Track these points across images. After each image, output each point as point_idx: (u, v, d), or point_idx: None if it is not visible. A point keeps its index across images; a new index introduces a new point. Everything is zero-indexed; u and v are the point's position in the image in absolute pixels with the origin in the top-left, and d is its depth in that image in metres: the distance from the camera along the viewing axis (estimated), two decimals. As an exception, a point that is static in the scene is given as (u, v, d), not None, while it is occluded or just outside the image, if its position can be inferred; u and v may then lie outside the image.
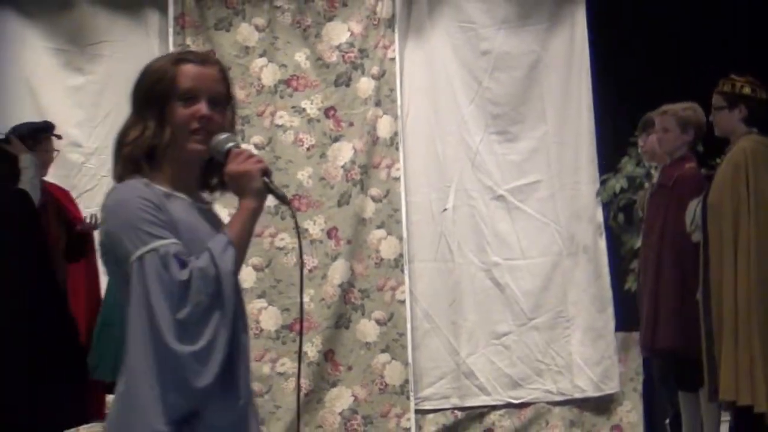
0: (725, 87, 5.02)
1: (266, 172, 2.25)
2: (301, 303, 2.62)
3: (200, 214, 2.33)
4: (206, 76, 2.30)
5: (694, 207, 5.04)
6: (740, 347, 4.69)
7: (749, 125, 4.96)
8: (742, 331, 4.69)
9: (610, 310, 6.63)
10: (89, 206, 6.53)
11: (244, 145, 6.50)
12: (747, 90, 4.98)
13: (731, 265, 4.78)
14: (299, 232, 2.53)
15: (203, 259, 2.19)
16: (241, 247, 2.24)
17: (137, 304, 2.14)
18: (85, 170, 6.81)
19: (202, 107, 2.27)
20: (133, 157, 2.27)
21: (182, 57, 2.35)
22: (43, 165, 5.69)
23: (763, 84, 5.03)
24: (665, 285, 5.15)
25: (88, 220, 5.78)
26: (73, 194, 6.52)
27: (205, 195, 2.41)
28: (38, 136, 5.65)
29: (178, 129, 2.27)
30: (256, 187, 2.23)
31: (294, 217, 2.30)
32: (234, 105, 2.40)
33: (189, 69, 2.29)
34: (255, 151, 6.75)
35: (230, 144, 2.27)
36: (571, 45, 6.92)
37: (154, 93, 2.29)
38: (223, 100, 2.33)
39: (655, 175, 5.70)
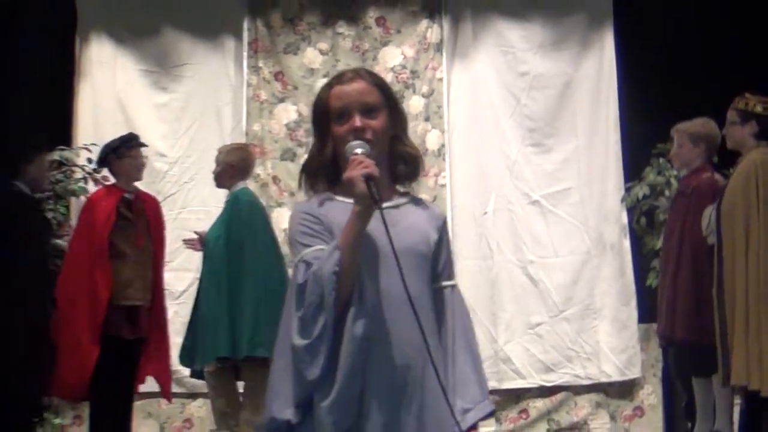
0: (739, 104, 4.97)
1: (369, 177, 2.15)
2: (409, 298, 2.17)
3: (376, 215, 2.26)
4: (353, 92, 2.27)
5: (709, 213, 5.03)
6: (750, 338, 4.65)
7: (759, 139, 4.91)
8: (753, 323, 4.64)
9: (634, 304, 6.62)
10: (172, 208, 6.68)
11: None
12: (759, 108, 4.92)
13: (743, 264, 4.73)
14: (389, 233, 2.18)
15: (317, 264, 2.18)
16: (347, 249, 2.15)
17: (286, 305, 2.23)
18: (168, 177, 6.84)
19: (355, 120, 2.24)
20: (309, 174, 2.32)
21: (331, 82, 2.34)
22: (136, 170, 5.81)
23: None
24: (683, 282, 5.10)
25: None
26: (158, 199, 6.32)
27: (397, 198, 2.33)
28: (127, 146, 5.75)
29: (339, 144, 2.25)
30: (359, 191, 2.15)
31: (383, 220, 2.14)
32: (394, 105, 2.33)
33: (338, 90, 2.28)
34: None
35: (352, 151, 2.21)
36: (600, 67, 6.94)
37: (317, 118, 2.31)
38: (376, 107, 2.28)
39: (675, 183, 5.74)
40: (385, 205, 2.20)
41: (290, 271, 2.38)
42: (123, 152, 5.67)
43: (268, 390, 2.23)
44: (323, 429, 2.14)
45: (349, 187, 2.16)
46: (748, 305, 4.69)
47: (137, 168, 5.74)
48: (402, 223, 2.28)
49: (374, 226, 2.18)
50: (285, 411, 2.16)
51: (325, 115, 2.29)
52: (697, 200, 5.13)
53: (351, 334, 2.15)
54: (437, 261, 2.34)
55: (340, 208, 2.23)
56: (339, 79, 2.33)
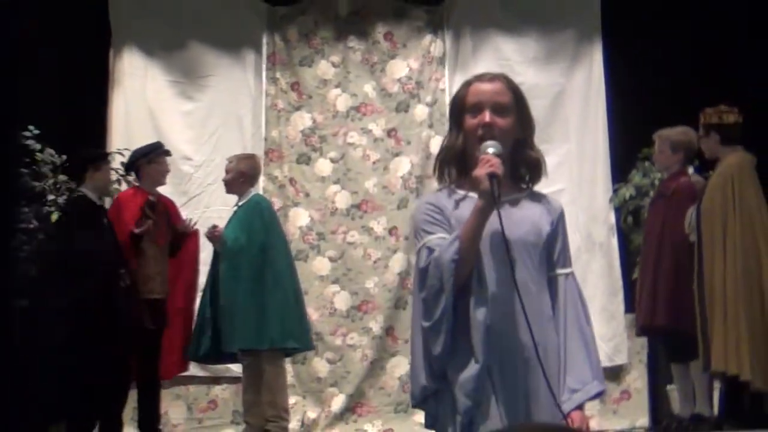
0: (701, 119, 5.07)
1: (493, 175, 2.17)
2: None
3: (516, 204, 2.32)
4: (489, 91, 2.30)
5: (690, 213, 5.05)
6: (729, 327, 4.68)
7: (726, 145, 4.96)
8: (731, 313, 4.70)
9: (621, 296, 6.61)
10: (197, 208, 6.66)
11: (328, 156, 6.55)
12: (715, 119, 4.99)
13: (721, 259, 4.78)
14: (503, 229, 2.20)
15: (438, 251, 2.21)
16: (466, 240, 2.19)
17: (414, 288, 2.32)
18: (194, 179, 6.82)
19: (485, 116, 2.26)
20: (441, 162, 2.35)
21: (471, 80, 2.37)
22: (161, 176, 5.83)
23: (733, 110, 4.99)
24: (664, 274, 5.13)
25: (186, 222, 5.79)
26: (184, 199, 6.57)
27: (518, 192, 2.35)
28: (155, 153, 5.79)
29: (468, 135, 2.29)
30: (483, 188, 2.18)
31: (499, 217, 2.18)
32: (524, 111, 2.34)
33: (475, 87, 2.32)
34: (331, 167, 6.86)
35: (485, 150, 2.23)
36: (589, 79, 6.94)
37: (454, 110, 2.35)
38: (507, 108, 2.30)
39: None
40: (503, 201, 2.24)
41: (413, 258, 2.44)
42: (152, 158, 5.74)
43: (411, 364, 2.33)
44: (460, 398, 2.21)
45: (475, 183, 2.20)
46: (726, 297, 4.74)
47: (162, 174, 5.82)
48: (515, 216, 2.30)
49: (493, 220, 2.21)
50: (427, 380, 2.25)
51: (461, 108, 2.32)
52: (676, 201, 5.16)
53: (475, 320, 2.20)
54: (552, 250, 2.34)
55: (461, 201, 2.29)
56: (479, 77, 2.37)
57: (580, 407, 2.26)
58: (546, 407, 2.22)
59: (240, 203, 5.63)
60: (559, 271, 2.34)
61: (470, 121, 2.29)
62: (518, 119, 2.33)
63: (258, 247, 5.37)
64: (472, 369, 2.20)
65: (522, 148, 2.36)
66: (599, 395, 2.32)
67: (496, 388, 2.23)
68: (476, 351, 2.19)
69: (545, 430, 0.54)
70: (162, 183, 5.85)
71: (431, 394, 2.27)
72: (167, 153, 5.93)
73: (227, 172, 5.67)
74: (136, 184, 5.82)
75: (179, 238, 5.75)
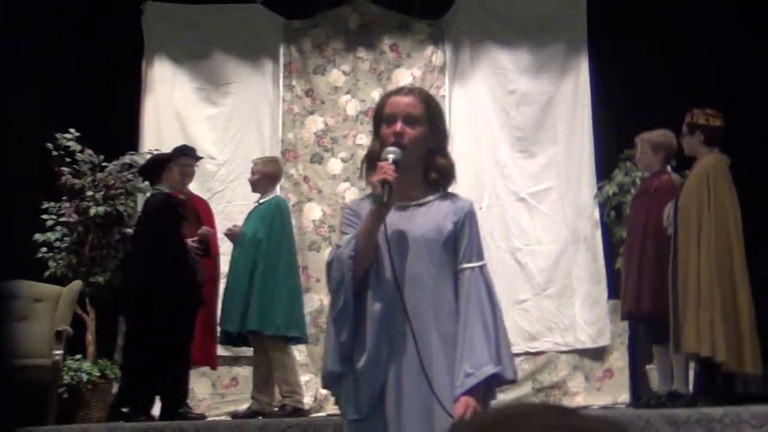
0: (687, 118, 5.05)
1: (384, 182, 2.18)
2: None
3: (402, 211, 2.29)
4: (402, 103, 2.31)
5: (668, 208, 5.05)
6: (702, 312, 4.69)
7: (708, 146, 4.97)
8: (704, 299, 4.70)
9: (604, 284, 6.56)
10: (220, 202, 6.71)
11: (339, 156, 6.60)
12: (702, 120, 4.97)
13: (695, 251, 4.79)
14: (386, 232, 2.22)
15: (341, 248, 2.23)
16: (361, 239, 2.21)
17: None
18: (217, 176, 6.87)
19: (397, 126, 2.28)
20: (365, 164, 2.37)
21: (391, 92, 2.42)
22: (186, 176, 5.86)
23: (719, 115, 4.98)
24: (648, 265, 5.11)
25: (203, 232, 5.68)
26: (208, 194, 6.60)
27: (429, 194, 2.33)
28: (179, 155, 5.78)
29: (383, 142, 2.30)
30: (375, 193, 2.22)
31: (384, 221, 2.20)
32: (436, 122, 2.33)
33: (392, 99, 2.34)
34: (342, 166, 6.90)
35: (384, 157, 2.24)
36: (576, 86, 6.90)
37: (374, 120, 2.38)
38: (417, 119, 2.30)
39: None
40: (412, 203, 2.29)
41: None
42: (182, 159, 5.80)
43: (324, 350, 2.35)
44: (362, 383, 2.23)
45: (374, 188, 2.23)
46: (700, 284, 4.75)
47: (189, 174, 5.89)
48: (420, 216, 2.30)
49: (395, 220, 2.23)
50: (333, 365, 2.26)
51: (380, 118, 2.35)
52: (658, 198, 5.14)
53: (370, 311, 2.22)
54: (458, 247, 2.30)
55: (370, 204, 2.28)
56: (397, 91, 2.41)
57: (473, 391, 2.18)
58: (441, 393, 2.17)
59: (262, 201, 5.70)
60: (465, 265, 2.28)
61: (385, 130, 2.31)
62: (430, 129, 2.32)
63: (275, 242, 5.47)
64: (367, 357, 2.21)
65: (433, 155, 2.35)
66: (495, 378, 2.21)
67: (390, 375, 2.22)
68: (368, 340, 2.21)
69: (526, 409, 0.58)
70: (188, 182, 5.93)
71: (336, 378, 2.27)
72: (195, 156, 5.99)
73: (254, 173, 5.73)
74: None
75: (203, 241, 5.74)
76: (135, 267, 5.21)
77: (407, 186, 2.29)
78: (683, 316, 4.80)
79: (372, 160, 2.33)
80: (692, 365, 5.10)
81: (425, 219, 2.30)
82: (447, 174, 2.37)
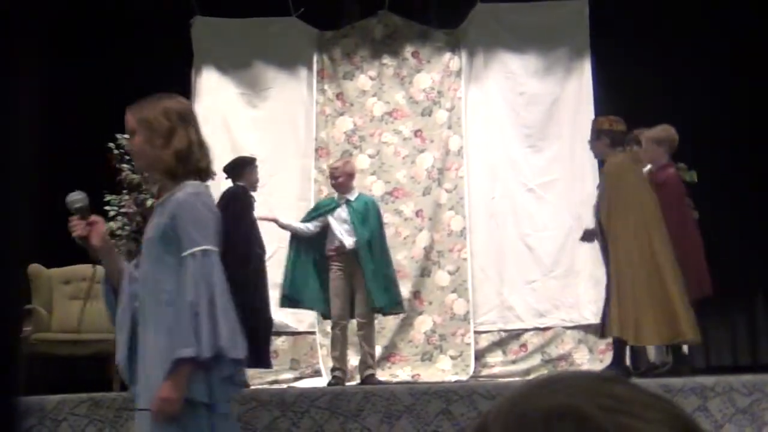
0: (593, 125, 5.09)
1: (77, 239, 2.21)
2: None
3: (155, 209, 2.28)
4: (126, 119, 2.26)
5: (594, 204, 5.11)
6: (623, 299, 4.67)
7: (613, 148, 4.95)
8: (625, 287, 4.68)
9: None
10: (261, 195, 6.51)
11: (366, 152, 6.56)
12: (606, 125, 4.99)
13: (614, 243, 4.80)
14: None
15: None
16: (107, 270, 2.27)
17: None
18: (259, 172, 6.85)
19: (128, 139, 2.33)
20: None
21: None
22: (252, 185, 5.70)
23: (621, 120, 4.99)
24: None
25: None
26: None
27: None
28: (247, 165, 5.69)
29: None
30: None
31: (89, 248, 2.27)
32: (146, 126, 2.21)
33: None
34: (369, 161, 6.90)
35: (69, 208, 2.23)
36: (579, 88, 6.86)
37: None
38: (132, 132, 2.24)
39: None
40: (158, 204, 2.24)
41: None
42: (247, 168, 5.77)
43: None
44: (125, 375, 2.24)
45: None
46: (619, 276, 4.73)
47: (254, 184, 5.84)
48: (155, 217, 2.23)
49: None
50: (118, 357, 2.24)
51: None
52: (667, 190, 5.03)
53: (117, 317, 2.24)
54: (177, 238, 2.15)
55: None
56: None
57: (172, 376, 2.05)
58: (157, 381, 2.09)
59: (352, 198, 5.66)
60: (183, 254, 2.13)
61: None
62: (145, 137, 2.22)
63: (379, 228, 5.63)
64: (122, 356, 2.22)
65: (171, 153, 2.25)
66: (182, 362, 2.04)
67: (140, 373, 2.19)
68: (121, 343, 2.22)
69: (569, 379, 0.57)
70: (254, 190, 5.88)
71: (123, 367, 2.25)
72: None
73: (337, 177, 5.69)
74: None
75: None
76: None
77: (160, 188, 2.25)
78: (610, 304, 4.79)
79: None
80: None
81: (155, 218, 2.23)
82: (168, 172, 2.22)
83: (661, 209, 4.91)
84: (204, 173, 2.27)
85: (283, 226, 5.79)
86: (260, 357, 5.25)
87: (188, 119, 2.29)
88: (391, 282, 5.60)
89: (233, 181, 5.56)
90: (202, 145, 2.28)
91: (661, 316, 4.63)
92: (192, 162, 2.23)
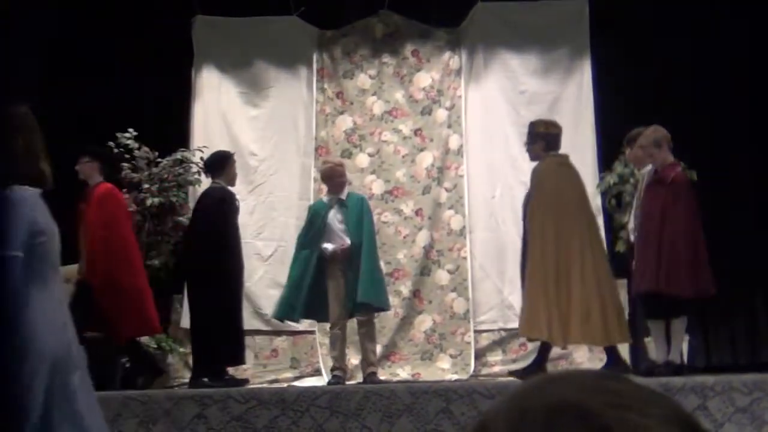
0: (529, 129, 5.18)
1: None
2: None
3: None
4: None
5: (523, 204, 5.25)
6: (535, 300, 4.79)
7: (547, 151, 5.03)
8: (537, 288, 4.78)
9: None
10: (261, 193, 6.73)
11: (366, 151, 6.54)
12: (542, 128, 5.09)
13: (532, 243, 4.92)
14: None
15: None
16: None
17: None
18: (259, 171, 6.85)
19: None
20: None
21: None
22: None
23: (556, 123, 5.16)
24: (670, 253, 4.79)
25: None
26: (250, 187, 6.62)
27: None
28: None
29: None
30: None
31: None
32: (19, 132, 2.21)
33: None
34: (369, 160, 6.92)
35: None
36: (579, 87, 6.87)
37: None
38: None
39: (637, 173, 5.59)
40: None
41: None
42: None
43: None
44: None
45: None
46: (533, 277, 4.83)
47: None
48: None
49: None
50: None
51: None
52: (675, 189, 4.94)
53: None
54: None
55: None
56: None
57: None
58: None
59: (343, 197, 5.60)
60: None
61: None
62: (21, 143, 2.22)
63: (371, 226, 5.58)
64: None
65: None
66: None
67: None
68: None
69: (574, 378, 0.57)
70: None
71: None
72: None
73: (341, 175, 5.62)
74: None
75: None
76: (195, 250, 5.22)
77: None
78: (523, 304, 4.92)
79: None
80: (686, 338, 5.06)
81: None
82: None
83: (669, 207, 4.86)
84: None
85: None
86: (236, 355, 5.26)
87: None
88: (380, 280, 5.55)
89: (213, 177, 5.51)
90: None
91: (572, 318, 4.72)
92: None
